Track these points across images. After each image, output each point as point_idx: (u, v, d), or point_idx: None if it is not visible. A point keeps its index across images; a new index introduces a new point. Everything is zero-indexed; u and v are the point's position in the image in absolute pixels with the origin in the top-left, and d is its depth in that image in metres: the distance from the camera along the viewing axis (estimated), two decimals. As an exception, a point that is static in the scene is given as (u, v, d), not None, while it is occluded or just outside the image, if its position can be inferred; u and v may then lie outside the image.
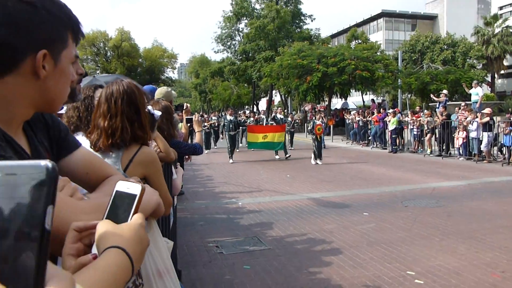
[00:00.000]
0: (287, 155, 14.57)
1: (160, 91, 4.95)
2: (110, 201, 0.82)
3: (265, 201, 7.81)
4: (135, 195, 0.81)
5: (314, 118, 13.89)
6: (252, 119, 21.66)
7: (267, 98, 43.93)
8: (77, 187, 1.07)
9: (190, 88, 74.68)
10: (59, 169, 1.14)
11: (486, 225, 5.81)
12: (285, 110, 30.66)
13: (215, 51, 49.67)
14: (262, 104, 53.87)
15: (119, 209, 0.81)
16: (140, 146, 1.88)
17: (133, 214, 0.80)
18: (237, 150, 16.32)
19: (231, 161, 13.87)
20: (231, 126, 14.36)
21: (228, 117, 14.87)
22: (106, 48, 48.39)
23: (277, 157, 14.48)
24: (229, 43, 45.30)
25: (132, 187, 0.82)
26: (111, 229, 0.76)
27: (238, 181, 10.24)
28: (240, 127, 16.65)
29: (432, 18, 60.00)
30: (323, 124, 13.82)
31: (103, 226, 0.77)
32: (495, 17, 41.29)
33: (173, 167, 3.68)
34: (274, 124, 16.03)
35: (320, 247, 5.07)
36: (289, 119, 19.73)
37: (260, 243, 5.23)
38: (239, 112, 29.73)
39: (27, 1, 0.86)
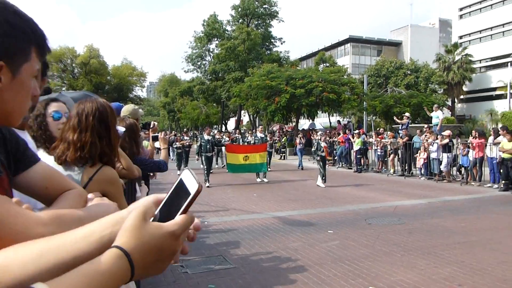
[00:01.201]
0: (265, 179, 13.56)
1: (127, 108, 4.93)
2: (172, 188, 0.76)
3: (231, 220, 7.80)
4: (189, 194, 0.73)
5: (319, 139, 12.57)
6: (227, 138, 20.46)
7: (236, 118, 44.18)
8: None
9: (158, 106, 74.04)
10: (17, 183, 1.14)
11: (445, 241, 6.02)
12: (253, 130, 30.81)
13: (185, 71, 49.70)
14: (231, 123, 54.10)
15: (173, 200, 0.75)
16: (101, 165, 1.89)
17: (182, 213, 0.74)
18: (211, 172, 14.61)
19: (207, 184, 12.60)
20: (208, 146, 13.07)
21: (206, 137, 13.47)
22: (74, 65, 47.54)
23: (265, 180, 13.44)
24: (199, 63, 45.61)
25: (191, 181, 0.74)
26: (136, 224, 0.72)
27: (204, 200, 10.16)
28: (216, 147, 15.36)
29: (397, 44, 62.61)
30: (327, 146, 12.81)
31: (134, 217, 0.72)
32: (456, 46, 43.58)
33: (137, 184, 3.66)
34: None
35: (286, 265, 5.10)
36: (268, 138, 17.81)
37: (226, 262, 5.21)
38: (214, 131, 28.34)
39: None
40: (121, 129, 2.13)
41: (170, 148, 19.93)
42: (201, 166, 13.67)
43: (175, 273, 4.84)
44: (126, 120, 3.78)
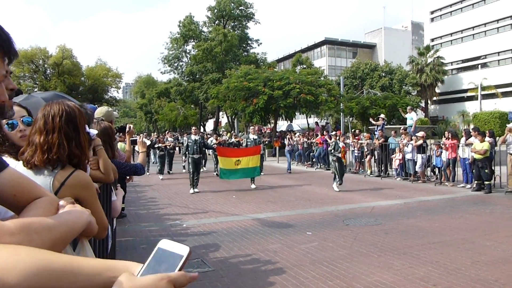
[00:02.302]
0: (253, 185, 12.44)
1: (100, 110, 4.82)
2: (150, 257, 0.79)
3: (210, 222, 7.74)
4: (182, 256, 0.79)
5: (337, 139, 11.87)
6: (214, 140, 19.03)
7: (214, 119, 44.02)
8: None
9: (135, 108, 73.02)
10: None
11: (420, 241, 6.13)
12: (232, 132, 30.77)
13: (161, 72, 49.36)
14: (209, 125, 53.85)
15: (160, 265, 0.78)
16: (74, 170, 1.83)
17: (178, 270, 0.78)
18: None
19: (191, 191, 11.53)
20: (195, 147, 11.66)
21: (193, 137, 11.90)
22: (46, 66, 46.31)
23: (253, 186, 12.37)
24: (176, 64, 45.32)
25: (178, 248, 0.80)
26: (130, 281, 0.75)
27: (183, 202, 10.07)
28: (205, 149, 13.55)
29: (371, 47, 63.76)
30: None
31: (124, 280, 0.76)
32: (428, 48, 44.71)
33: (113, 188, 3.58)
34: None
35: (264, 267, 5.09)
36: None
37: (204, 265, 5.16)
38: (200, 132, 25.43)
39: None
40: (93, 131, 2.07)
41: (152, 151, 19.42)
42: (183, 170, 12.54)
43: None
44: (101, 123, 3.70)
